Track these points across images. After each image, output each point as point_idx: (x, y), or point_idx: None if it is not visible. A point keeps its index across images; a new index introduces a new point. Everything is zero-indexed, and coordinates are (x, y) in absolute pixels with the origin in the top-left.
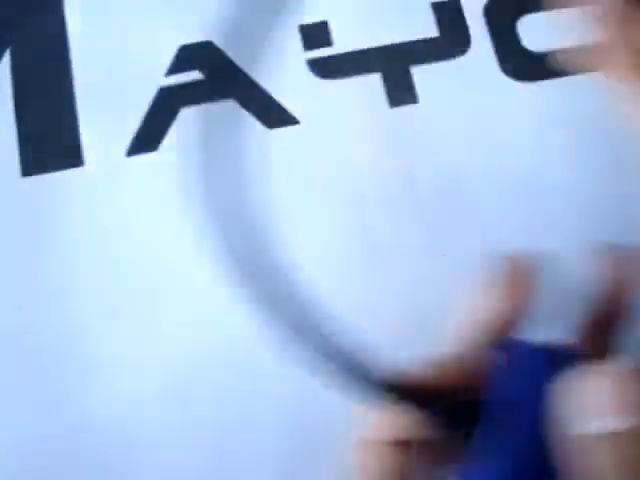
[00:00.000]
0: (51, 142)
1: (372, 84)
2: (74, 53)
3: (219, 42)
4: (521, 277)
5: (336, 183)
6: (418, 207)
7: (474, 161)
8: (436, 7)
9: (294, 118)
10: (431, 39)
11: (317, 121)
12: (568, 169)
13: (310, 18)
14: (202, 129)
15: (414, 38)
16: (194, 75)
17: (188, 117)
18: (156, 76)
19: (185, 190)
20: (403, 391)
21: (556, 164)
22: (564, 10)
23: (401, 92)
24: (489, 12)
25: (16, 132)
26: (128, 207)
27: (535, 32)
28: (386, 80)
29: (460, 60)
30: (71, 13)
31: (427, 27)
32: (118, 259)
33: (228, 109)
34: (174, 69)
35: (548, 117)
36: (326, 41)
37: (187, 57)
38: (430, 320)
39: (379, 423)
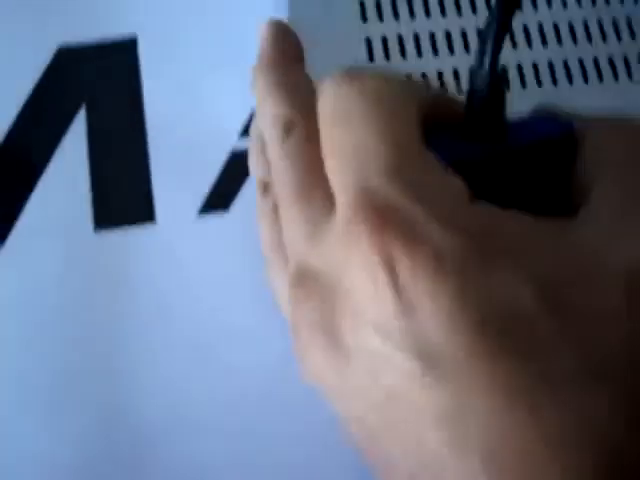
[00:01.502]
0: (123, 197)
1: None
2: (148, 113)
3: None
4: None
5: None
6: None
7: None
8: None
9: None
10: None
11: None
12: None
13: None
14: None
15: None
16: None
17: None
18: (229, 139)
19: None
20: None
21: None
22: None
23: None
24: None
25: (89, 186)
26: (196, 265)
27: None
28: None
29: None
30: (147, 75)
31: None
32: (182, 318)
33: None
34: (247, 133)
35: None
36: None
37: None
38: None
39: None
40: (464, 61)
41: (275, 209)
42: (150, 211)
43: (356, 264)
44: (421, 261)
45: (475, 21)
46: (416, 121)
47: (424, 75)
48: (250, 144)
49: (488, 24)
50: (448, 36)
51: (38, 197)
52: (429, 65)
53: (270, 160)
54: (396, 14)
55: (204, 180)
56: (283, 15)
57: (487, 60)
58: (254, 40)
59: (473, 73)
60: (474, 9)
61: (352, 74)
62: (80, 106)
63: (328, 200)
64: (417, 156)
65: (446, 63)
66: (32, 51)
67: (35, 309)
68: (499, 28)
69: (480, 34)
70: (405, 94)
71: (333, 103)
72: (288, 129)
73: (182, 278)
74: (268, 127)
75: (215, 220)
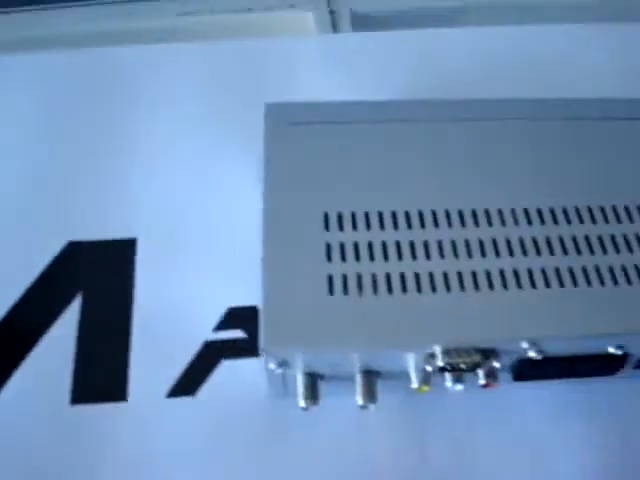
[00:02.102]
0: (101, 377)
1: None
2: (137, 304)
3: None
4: None
5: None
6: None
7: None
8: None
9: None
10: None
11: None
12: None
13: None
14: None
15: None
16: (237, 333)
17: (228, 367)
18: (204, 331)
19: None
20: None
21: None
22: None
23: None
24: None
25: (73, 364)
26: (162, 443)
27: None
28: None
29: None
30: (140, 269)
31: None
32: None
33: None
34: (221, 326)
35: None
36: None
37: (233, 318)
38: None
39: None
40: None
41: None
42: (124, 390)
43: None
44: None
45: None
46: None
47: None
48: None
49: None
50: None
51: (26, 367)
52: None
53: None
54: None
55: (176, 366)
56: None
57: None
58: (237, 251)
59: None
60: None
61: None
62: (77, 293)
63: None
64: None
65: None
66: (45, 242)
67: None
68: None
69: None
70: None
71: None
72: None
73: (148, 452)
74: None
75: (182, 403)
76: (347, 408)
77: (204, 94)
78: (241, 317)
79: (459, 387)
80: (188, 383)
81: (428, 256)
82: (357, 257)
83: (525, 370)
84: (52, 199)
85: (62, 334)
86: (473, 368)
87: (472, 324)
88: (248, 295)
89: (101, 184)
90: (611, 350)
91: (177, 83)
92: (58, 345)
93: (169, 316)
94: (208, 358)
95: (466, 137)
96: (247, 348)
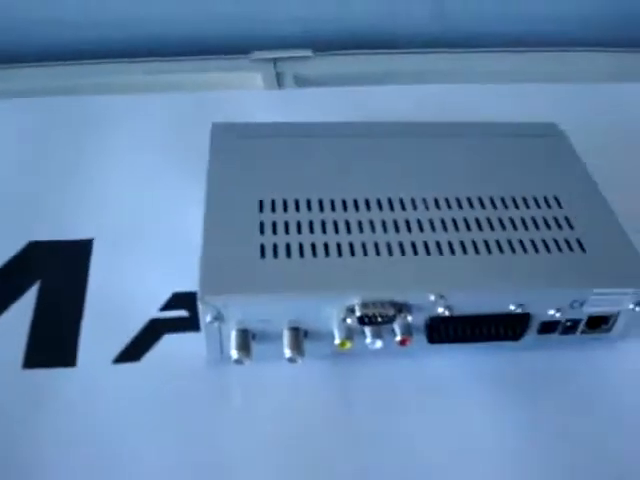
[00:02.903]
0: (53, 345)
1: None
2: (90, 290)
3: None
4: None
5: None
6: None
7: None
8: None
9: None
10: None
11: None
12: None
13: None
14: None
15: None
16: (181, 313)
17: (171, 340)
18: (151, 311)
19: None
20: None
21: None
22: None
23: None
24: None
25: (28, 332)
26: (107, 408)
27: None
28: None
29: None
30: (95, 263)
31: None
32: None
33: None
34: (166, 307)
35: None
36: None
37: (178, 300)
38: None
39: None
40: None
41: None
42: (74, 357)
43: None
44: None
45: None
46: None
47: None
48: None
49: None
50: None
51: None
52: None
53: None
54: None
55: (123, 339)
56: None
57: None
58: (181, 246)
59: None
60: None
61: None
62: (36, 282)
63: None
64: None
65: None
66: (5, 243)
67: None
68: None
69: None
70: None
71: None
72: None
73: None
74: None
75: (127, 368)
76: (280, 372)
77: (165, 134)
78: (184, 300)
79: (379, 344)
80: (134, 351)
81: (349, 231)
82: (287, 231)
83: (437, 330)
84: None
85: (19, 314)
86: (389, 321)
87: (387, 281)
88: (191, 283)
89: (63, 190)
90: (512, 308)
91: (142, 127)
92: (15, 322)
93: (119, 300)
94: (153, 332)
95: (377, 151)
96: (189, 325)
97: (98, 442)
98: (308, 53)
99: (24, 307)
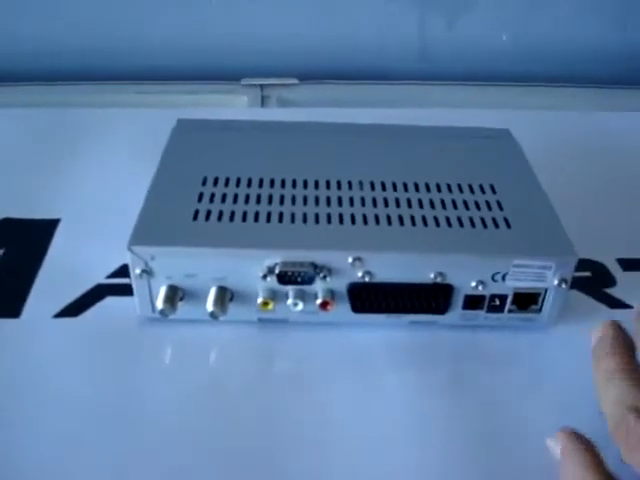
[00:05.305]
0: (3, 299)
1: None
2: (48, 256)
3: None
4: None
5: None
6: None
7: None
8: None
9: None
10: None
11: None
12: None
13: None
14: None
15: None
16: (126, 280)
17: (111, 301)
18: (98, 278)
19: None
20: None
21: None
22: None
23: None
24: None
25: None
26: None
27: None
28: None
29: None
30: (58, 236)
31: None
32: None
33: None
34: (112, 275)
35: None
36: None
37: (125, 271)
38: None
39: None
40: None
41: None
42: (19, 310)
43: None
44: None
45: None
46: None
47: None
48: None
49: None
50: None
51: None
52: None
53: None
54: None
55: (67, 298)
56: None
57: None
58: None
59: None
60: None
61: None
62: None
63: None
64: None
65: None
66: None
67: None
68: None
69: None
70: None
71: None
72: None
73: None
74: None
75: (65, 322)
76: (206, 334)
77: (142, 141)
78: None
79: (300, 306)
80: (74, 309)
81: (282, 203)
82: (223, 201)
83: (359, 297)
84: None
85: None
86: (309, 281)
87: (308, 243)
88: None
89: (39, 175)
90: (432, 276)
91: (123, 135)
92: None
93: (71, 267)
94: (96, 294)
95: (334, 145)
96: (131, 291)
97: (33, 382)
98: (294, 81)
99: None
